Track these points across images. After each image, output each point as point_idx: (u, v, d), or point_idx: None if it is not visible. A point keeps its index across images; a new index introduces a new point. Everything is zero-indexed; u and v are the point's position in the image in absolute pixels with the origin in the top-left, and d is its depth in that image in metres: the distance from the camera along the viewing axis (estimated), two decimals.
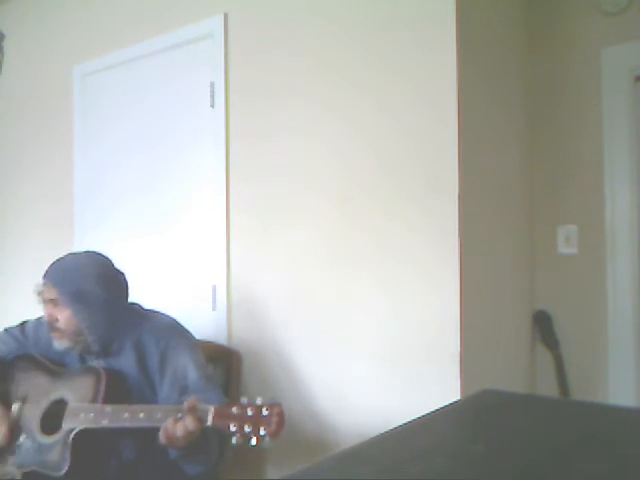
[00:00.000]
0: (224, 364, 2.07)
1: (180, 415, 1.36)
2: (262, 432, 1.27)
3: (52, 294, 1.63)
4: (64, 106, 2.88)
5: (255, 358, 2.14)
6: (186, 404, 1.37)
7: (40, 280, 1.67)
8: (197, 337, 1.78)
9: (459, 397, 1.67)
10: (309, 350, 2.03)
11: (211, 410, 1.35)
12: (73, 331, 1.63)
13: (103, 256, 1.74)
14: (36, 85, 3.07)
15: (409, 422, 0.91)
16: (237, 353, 2.14)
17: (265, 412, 1.29)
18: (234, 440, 1.29)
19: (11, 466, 1.58)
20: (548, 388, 2.26)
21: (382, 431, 0.89)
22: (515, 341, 2.24)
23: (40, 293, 1.67)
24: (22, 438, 1.61)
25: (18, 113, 3.18)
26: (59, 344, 1.65)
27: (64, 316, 1.62)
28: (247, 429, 1.28)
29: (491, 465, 0.74)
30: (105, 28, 2.72)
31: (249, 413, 1.30)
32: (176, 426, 1.35)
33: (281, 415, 1.30)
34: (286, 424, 1.30)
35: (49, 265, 1.69)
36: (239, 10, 2.25)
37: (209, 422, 1.34)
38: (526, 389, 2.27)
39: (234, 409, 1.32)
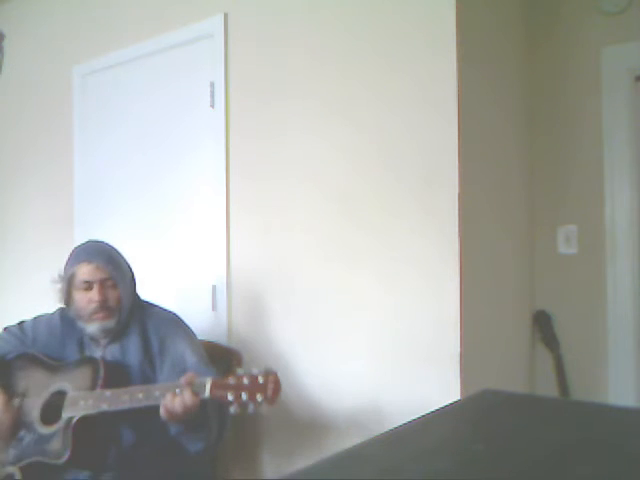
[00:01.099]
0: (224, 364, 2.07)
1: (178, 391, 1.39)
2: (259, 398, 1.30)
3: (103, 274, 1.65)
4: (64, 106, 2.88)
5: (255, 358, 2.14)
6: (183, 379, 1.40)
7: (73, 267, 1.65)
8: (197, 337, 1.80)
9: (459, 397, 1.67)
10: (309, 350, 2.03)
11: (208, 382, 1.38)
12: (118, 310, 1.67)
13: None
14: (36, 85, 3.07)
15: (409, 422, 0.91)
16: (237, 353, 2.14)
17: (261, 380, 1.32)
18: (232, 409, 1.32)
19: (10, 466, 1.58)
20: (548, 388, 2.26)
21: (382, 430, 0.89)
22: (515, 341, 2.24)
23: (70, 278, 1.65)
24: (22, 432, 1.62)
25: (18, 113, 3.18)
26: (103, 325, 1.65)
27: (115, 295, 1.66)
28: (244, 397, 1.30)
29: (491, 465, 0.74)
30: (105, 28, 2.72)
31: (245, 382, 1.33)
32: (175, 401, 1.38)
33: (277, 382, 1.32)
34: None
35: (79, 249, 1.70)
36: (239, 10, 2.25)
37: (207, 394, 1.36)
38: (526, 389, 2.27)
39: (231, 379, 1.34)
